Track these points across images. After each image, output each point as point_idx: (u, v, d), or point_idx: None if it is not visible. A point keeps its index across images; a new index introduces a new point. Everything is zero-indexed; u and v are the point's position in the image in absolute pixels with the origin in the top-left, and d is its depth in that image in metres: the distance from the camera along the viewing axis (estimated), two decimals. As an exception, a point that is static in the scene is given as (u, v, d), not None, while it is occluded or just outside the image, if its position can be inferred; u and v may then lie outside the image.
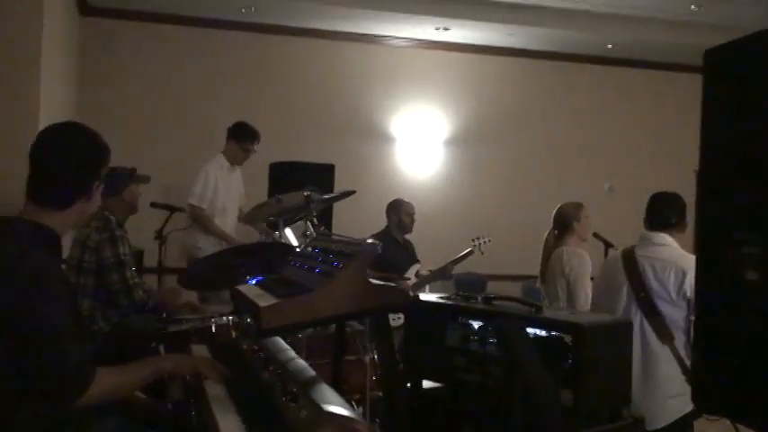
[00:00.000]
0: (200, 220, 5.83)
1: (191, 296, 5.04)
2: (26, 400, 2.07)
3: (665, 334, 3.61)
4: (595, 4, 7.27)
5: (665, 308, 3.63)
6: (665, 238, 3.80)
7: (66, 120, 2.56)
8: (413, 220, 6.43)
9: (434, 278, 6.37)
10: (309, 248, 2.65)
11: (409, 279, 6.17)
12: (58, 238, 2.26)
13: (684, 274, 3.61)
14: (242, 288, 2.48)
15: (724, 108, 1.79)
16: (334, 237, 3.03)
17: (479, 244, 6.55)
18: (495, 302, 2.53)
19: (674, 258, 3.68)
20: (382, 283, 2.17)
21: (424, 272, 6.37)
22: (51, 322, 2.08)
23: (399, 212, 6.39)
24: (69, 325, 2.16)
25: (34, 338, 2.06)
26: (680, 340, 3.62)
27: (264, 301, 2.13)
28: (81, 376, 2.11)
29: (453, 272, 6.57)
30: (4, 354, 2.05)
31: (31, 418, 2.08)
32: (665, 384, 3.57)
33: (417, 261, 6.43)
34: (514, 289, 7.55)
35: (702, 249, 1.82)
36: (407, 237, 6.54)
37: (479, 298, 2.61)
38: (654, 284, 3.67)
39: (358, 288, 2.08)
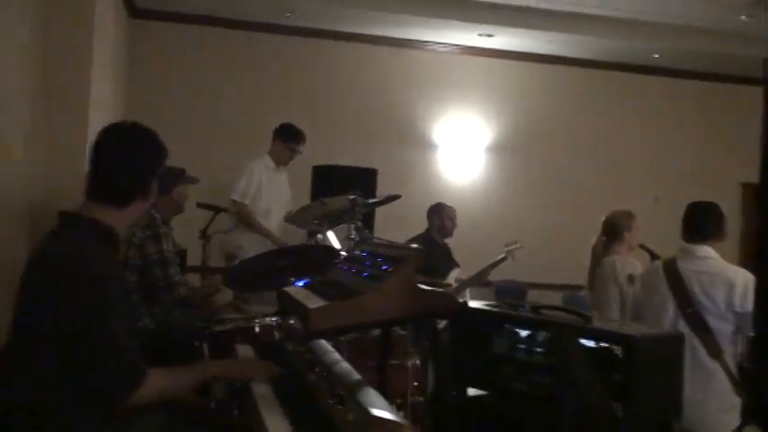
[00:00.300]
0: (242, 216, 5.87)
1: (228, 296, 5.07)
2: (76, 398, 2.09)
3: (714, 348, 3.55)
4: (642, 13, 7.18)
5: (714, 322, 3.57)
6: (709, 250, 3.74)
7: (115, 120, 2.60)
8: (455, 225, 6.41)
9: (473, 283, 6.33)
10: (357, 252, 2.65)
11: (450, 285, 6.14)
12: (117, 236, 2.29)
13: (732, 287, 3.55)
14: (289, 290, 2.49)
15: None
16: (379, 241, 3.03)
17: (511, 250, 6.48)
18: (542, 311, 2.52)
19: (721, 271, 3.62)
20: (431, 288, 2.17)
21: (463, 277, 6.34)
22: (106, 323, 2.10)
23: (442, 216, 6.38)
24: (123, 325, 2.18)
25: (88, 338, 2.08)
26: (728, 353, 3.56)
27: (313, 303, 2.14)
28: (133, 377, 2.12)
29: (492, 279, 6.51)
30: (57, 352, 2.08)
31: (78, 416, 2.10)
32: (717, 399, 3.51)
33: (457, 265, 6.40)
34: (555, 298, 7.48)
35: (763, 264, 1.78)
36: (451, 241, 6.51)
37: (527, 306, 2.60)
38: (702, 299, 3.61)
39: (407, 292, 2.08)
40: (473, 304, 2.55)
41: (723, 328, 3.56)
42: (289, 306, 2.44)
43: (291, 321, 3.30)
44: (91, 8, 4.48)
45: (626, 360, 2.11)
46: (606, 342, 2.18)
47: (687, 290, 3.65)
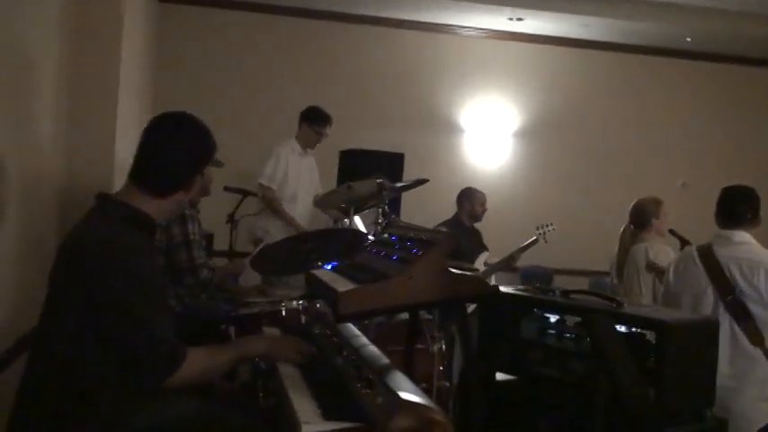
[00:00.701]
0: (268, 201, 5.88)
1: (255, 279, 5.08)
2: (115, 381, 2.10)
3: (756, 336, 3.45)
4: (675, -5, 7.07)
5: (755, 309, 3.47)
6: (745, 236, 3.62)
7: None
8: (485, 210, 6.37)
9: (501, 267, 6.29)
10: (385, 235, 2.64)
11: (477, 269, 6.10)
12: (154, 224, 2.28)
13: None
14: (317, 273, 2.48)
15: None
16: (408, 224, 3.01)
17: (544, 232, 6.43)
18: (572, 296, 2.49)
19: (761, 257, 3.52)
20: (461, 272, 2.15)
21: (491, 261, 6.31)
22: (142, 306, 2.10)
23: (473, 201, 6.34)
24: (161, 308, 2.18)
25: (126, 321, 2.08)
26: None
27: (342, 286, 2.13)
28: (173, 357, 2.12)
29: (518, 264, 6.48)
30: (95, 334, 2.08)
31: (115, 400, 2.10)
32: (758, 386, 3.43)
33: (486, 249, 6.37)
34: (581, 284, 7.43)
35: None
36: (479, 225, 6.48)
37: (557, 291, 2.57)
38: (743, 286, 3.51)
39: (437, 276, 2.06)
40: (503, 289, 2.52)
41: (765, 315, 3.46)
42: (317, 289, 2.44)
43: (318, 305, 3.30)
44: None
45: (659, 345, 2.08)
46: (639, 327, 2.15)
47: (726, 276, 3.55)
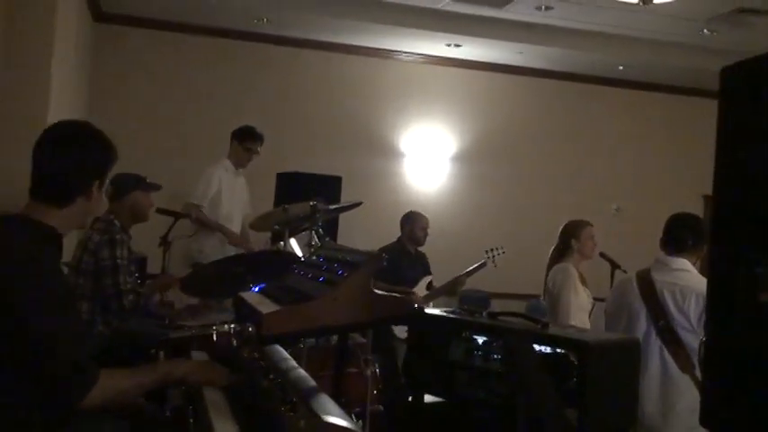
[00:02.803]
0: (200, 220, 5.82)
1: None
2: (23, 403, 2.03)
3: (686, 363, 3.46)
4: (608, 26, 7.26)
5: (685, 336, 3.48)
6: (684, 263, 3.64)
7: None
8: (426, 234, 6.40)
9: (446, 291, 6.31)
10: (314, 257, 2.62)
11: (414, 293, 6.12)
12: (60, 236, 2.22)
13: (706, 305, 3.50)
14: (244, 295, 2.45)
15: (740, 127, 1.76)
16: (337, 246, 3.00)
17: (493, 256, 6.46)
18: (500, 318, 2.50)
19: (694, 285, 3.51)
20: (387, 293, 2.14)
21: (437, 285, 6.33)
22: (48, 322, 2.04)
23: (413, 224, 6.37)
24: (68, 325, 2.12)
25: (31, 338, 2.02)
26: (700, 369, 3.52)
27: (267, 308, 2.11)
28: (82, 378, 2.06)
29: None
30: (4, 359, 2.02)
31: (24, 423, 2.04)
32: (686, 415, 3.43)
33: (428, 273, 6.39)
34: (519, 307, 7.49)
35: (714, 270, 1.78)
36: (421, 249, 6.50)
37: (484, 313, 2.58)
38: (674, 312, 3.52)
39: (362, 298, 2.05)
40: (430, 311, 2.53)
41: (695, 342, 3.43)
42: (244, 311, 2.40)
43: (250, 328, 3.25)
44: (51, 12, 4.40)
45: (580, 366, 2.10)
46: (562, 348, 2.18)
47: (659, 301, 3.57)
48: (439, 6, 7.04)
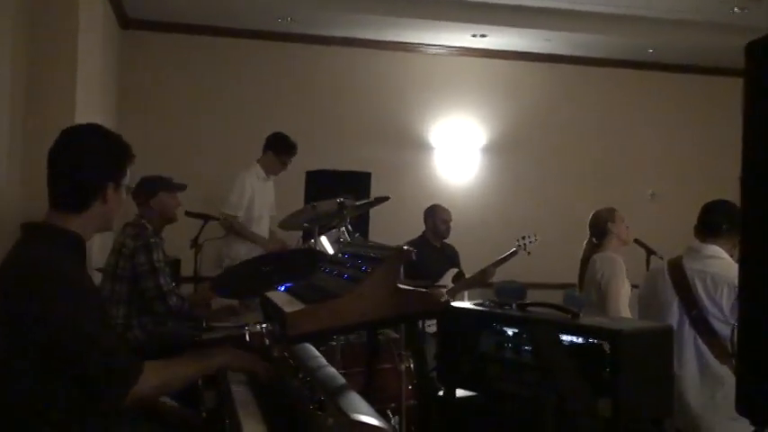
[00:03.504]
0: (234, 229, 5.84)
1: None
2: (66, 404, 2.04)
3: (722, 352, 3.37)
4: (633, 8, 7.13)
5: (718, 326, 3.40)
6: (716, 249, 3.55)
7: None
8: (448, 227, 6.36)
9: (474, 283, 6.25)
10: (340, 254, 2.61)
11: (444, 286, 6.08)
12: (82, 241, 2.23)
13: (736, 290, 3.41)
14: (270, 295, 2.44)
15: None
16: (362, 242, 2.99)
17: (525, 244, 6.36)
18: (530, 309, 2.46)
19: (726, 273, 3.41)
20: (413, 288, 2.12)
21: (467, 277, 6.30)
22: (85, 324, 2.05)
23: (435, 218, 6.34)
24: (104, 324, 2.13)
25: (75, 336, 2.03)
26: None
27: (291, 307, 2.10)
28: (129, 369, 2.08)
29: (492, 279, 6.45)
30: (40, 361, 2.03)
31: (68, 423, 2.05)
32: (727, 404, 3.35)
33: (456, 266, 6.35)
34: (555, 297, 7.40)
35: (746, 254, 1.73)
36: (448, 242, 6.46)
37: (514, 305, 2.54)
38: (706, 302, 3.45)
39: (386, 293, 2.03)
40: (458, 304, 2.50)
41: (728, 331, 3.35)
42: (270, 311, 2.40)
43: (277, 327, 3.26)
44: (75, 23, 4.42)
45: (612, 355, 2.06)
46: (594, 338, 2.13)
47: (691, 289, 3.49)
48: (463, -4, 6.99)
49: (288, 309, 2.05)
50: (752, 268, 1.72)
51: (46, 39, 4.20)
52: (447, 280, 6.16)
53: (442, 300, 2.20)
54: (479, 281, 6.27)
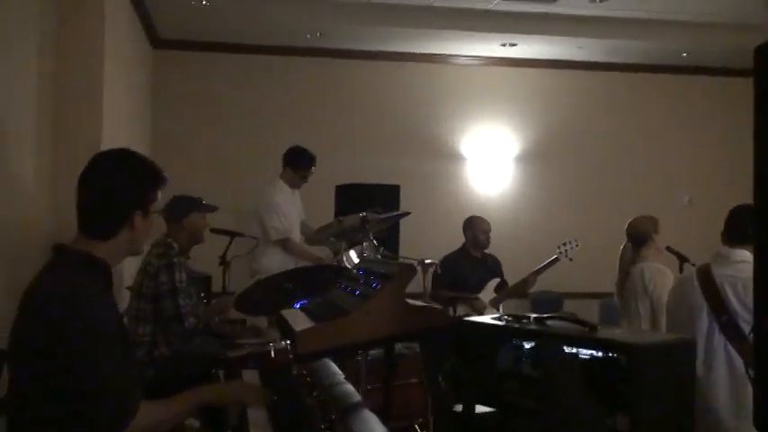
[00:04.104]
0: (292, 250, 5.90)
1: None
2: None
3: (752, 359, 3.32)
4: (665, 12, 7.03)
5: (748, 330, 3.33)
6: (745, 254, 3.47)
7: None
8: (488, 238, 6.34)
9: (515, 293, 6.23)
10: (355, 270, 2.60)
11: (477, 298, 6.05)
12: (108, 268, 2.22)
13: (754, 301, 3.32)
14: (285, 312, 2.44)
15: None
16: (379, 258, 2.97)
17: (566, 251, 6.25)
18: (548, 322, 2.42)
19: None
20: (422, 304, 2.10)
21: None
22: (97, 365, 2.05)
23: (474, 229, 6.34)
24: (116, 358, 2.13)
25: (78, 368, 2.04)
26: None
27: (301, 325, 2.09)
28: (122, 410, 2.08)
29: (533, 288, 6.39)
30: (45, 386, 2.04)
31: None
32: None
33: (499, 276, 6.32)
34: (592, 306, 7.34)
35: (759, 264, 1.68)
36: (489, 252, 6.43)
37: (531, 318, 2.50)
38: (736, 306, 3.39)
39: (395, 310, 2.01)
40: (473, 318, 2.46)
41: None
42: (284, 329, 2.39)
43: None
44: (99, 43, 4.47)
45: (629, 369, 2.01)
46: (611, 351, 2.08)
47: (720, 295, 3.44)
48: (490, 7, 6.94)
49: (297, 327, 2.04)
50: (766, 270, 1.66)
51: (72, 61, 4.26)
52: (489, 290, 6.14)
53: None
54: (520, 290, 6.24)
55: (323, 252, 5.89)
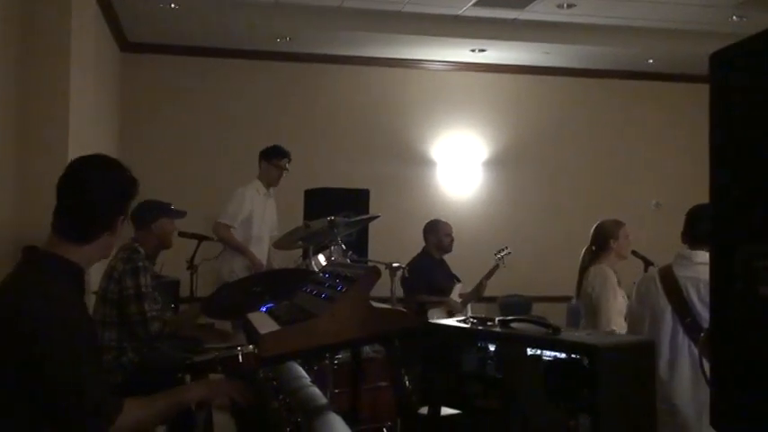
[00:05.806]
0: (226, 239, 5.83)
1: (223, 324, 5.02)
2: None
3: None
4: (632, 19, 7.12)
5: None
6: (706, 255, 3.54)
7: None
8: (452, 240, 6.37)
9: (471, 298, 6.31)
10: (321, 274, 2.60)
11: (455, 301, 6.12)
12: (82, 272, 2.22)
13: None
14: (251, 316, 2.44)
15: (734, 117, 1.68)
16: (344, 262, 2.98)
17: (501, 257, 6.49)
18: (512, 325, 2.44)
19: None
20: (387, 307, 2.11)
21: (464, 292, 6.33)
22: (72, 366, 2.04)
23: (438, 233, 6.34)
24: (90, 361, 2.11)
25: (56, 373, 2.02)
26: None
27: (266, 328, 2.09)
28: (105, 411, 2.07)
29: (496, 294, 6.49)
30: (22, 393, 2.02)
31: None
32: None
33: (458, 281, 6.36)
34: (560, 310, 7.39)
35: (716, 263, 1.71)
36: (448, 257, 6.48)
37: (496, 320, 2.52)
38: (700, 308, 3.41)
39: (360, 313, 2.02)
40: (437, 321, 2.48)
41: None
42: (249, 332, 2.39)
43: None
44: (66, 45, 4.44)
45: (591, 371, 2.04)
46: (573, 353, 2.11)
47: (684, 297, 3.47)
48: (460, 12, 6.99)
49: (262, 330, 2.04)
50: (721, 277, 1.69)
51: (38, 64, 4.23)
52: (455, 294, 6.18)
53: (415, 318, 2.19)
54: (477, 295, 6.33)
55: (292, 257, 5.87)
